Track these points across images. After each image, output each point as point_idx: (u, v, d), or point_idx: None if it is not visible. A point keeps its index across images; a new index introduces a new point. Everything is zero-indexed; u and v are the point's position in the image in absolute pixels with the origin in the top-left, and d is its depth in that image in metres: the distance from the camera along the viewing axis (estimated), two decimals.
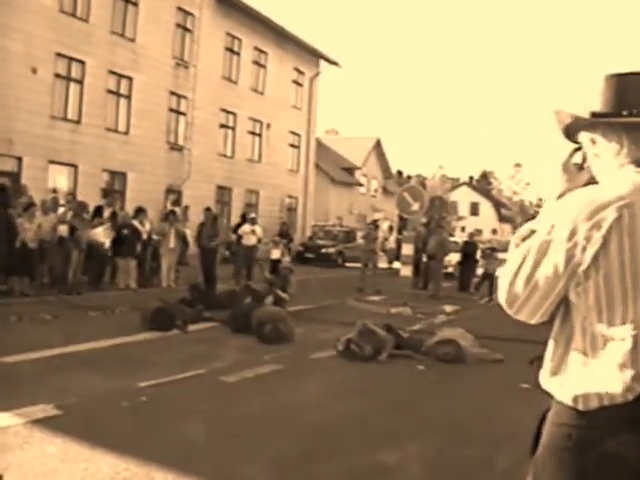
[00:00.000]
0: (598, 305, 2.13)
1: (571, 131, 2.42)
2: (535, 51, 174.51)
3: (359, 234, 29.70)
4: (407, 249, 20.78)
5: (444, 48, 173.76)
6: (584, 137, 2.36)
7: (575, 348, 2.20)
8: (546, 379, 2.28)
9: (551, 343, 2.30)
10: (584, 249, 2.09)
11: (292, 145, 36.05)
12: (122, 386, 7.65)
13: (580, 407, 2.13)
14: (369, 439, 6.45)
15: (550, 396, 2.26)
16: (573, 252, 2.11)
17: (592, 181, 2.33)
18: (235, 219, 23.90)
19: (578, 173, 2.41)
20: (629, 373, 2.07)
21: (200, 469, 5.41)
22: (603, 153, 2.30)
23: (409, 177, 67.66)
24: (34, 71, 20.79)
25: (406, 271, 21.34)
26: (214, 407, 7.26)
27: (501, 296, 2.26)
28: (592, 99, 2.29)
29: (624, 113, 2.23)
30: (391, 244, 33.79)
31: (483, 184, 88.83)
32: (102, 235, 16.17)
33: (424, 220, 24.48)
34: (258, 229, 20.59)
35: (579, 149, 2.42)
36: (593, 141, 2.32)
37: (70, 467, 5.31)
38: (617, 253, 2.09)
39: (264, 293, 13.98)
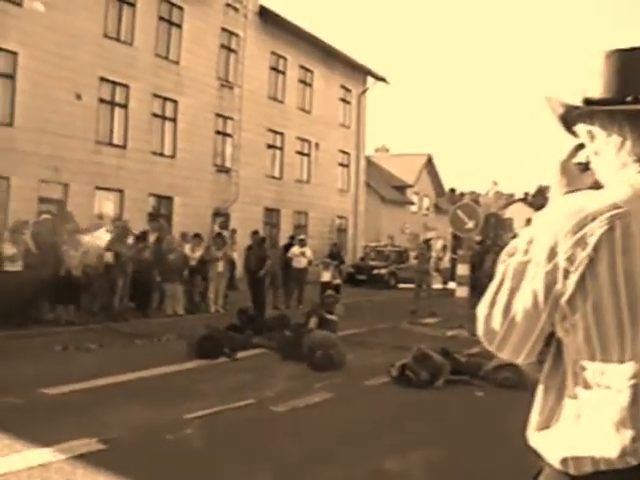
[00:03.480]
0: (589, 345, 1.70)
1: (569, 123, 1.94)
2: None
3: (412, 254, 29.23)
4: (462, 269, 20.11)
5: (492, 61, 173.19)
6: (581, 130, 1.90)
7: (568, 397, 1.78)
8: (533, 435, 1.85)
9: (540, 390, 1.87)
10: (567, 273, 1.67)
11: (341, 164, 35.62)
12: (168, 418, 7.43)
13: (571, 471, 1.73)
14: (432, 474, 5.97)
15: (539, 456, 1.83)
16: (554, 276, 1.68)
17: (598, 185, 1.83)
18: (284, 241, 23.57)
19: (581, 175, 1.90)
20: (628, 433, 1.65)
21: None
22: (603, 149, 1.84)
23: (462, 194, 67.04)
24: (79, 97, 20.74)
25: (462, 292, 20.70)
26: (263, 439, 6.92)
27: (479, 330, 1.85)
28: (590, 81, 1.79)
29: (628, 99, 1.75)
30: (445, 264, 33.16)
31: (539, 199, 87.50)
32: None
33: (479, 238, 23.89)
34: (308, 251, 20.23)
35: (583, 145, 1.90)
36: (591, 135, 1.86)
37: None
38: (608, 277, 1.64)
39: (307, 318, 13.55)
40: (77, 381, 8.99)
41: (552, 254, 1.67)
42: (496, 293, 1.79)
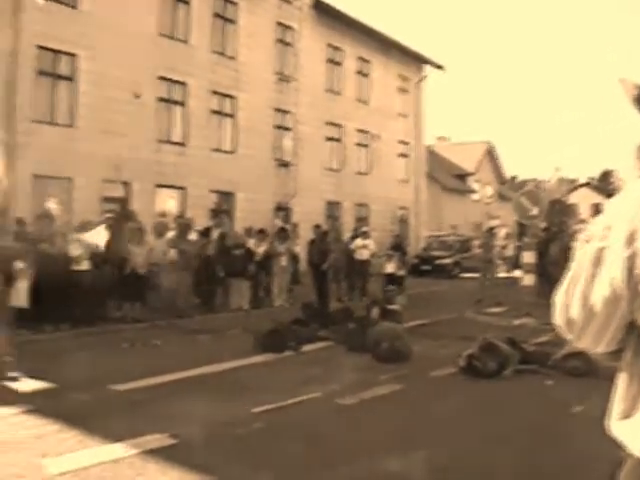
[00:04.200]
0: None
1: None
2: None
3: (475, 243, 28.87)
4: (528, 257, 19.77)
5: (554, 43, 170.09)
6: None
7: None
8: (615, 424, 1.78)
9: (622, 378, 1.79)
10: None
11: (401, 154, 35.37)
12: (235, 412, 7.47)
13: None
14: (505, 466, 5.85)
15: (622, 448, 1.75)
16: (633, 262, 1.61)
17: None
18: (346, 234, 23.50)
19: None
20: None
21: None
22: None
23: (525, 181, 66.05)
24: (137, 96, 20.94)
25: (528, 280, 20.39)
26: (332, 432, 6.89)
27: (557, 319, 1.80)
28: None
29: None
30: (509, 252, 32.73)
31: (604, 184, 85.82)
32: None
33: (544, 225, 23.49)
34: (371, 243, 20.15)
35: None
36: None
37: None
38: None
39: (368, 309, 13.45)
40: (145, 377, 9.10)
41: (630, 239, 1.60)
42: (573, 281, 1.72)
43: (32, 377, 9.07)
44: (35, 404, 7.65)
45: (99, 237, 14.47)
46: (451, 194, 46.05)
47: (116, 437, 6.38)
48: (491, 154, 54.17)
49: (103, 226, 15.67)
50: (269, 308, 16.92)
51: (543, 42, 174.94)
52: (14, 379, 9.05)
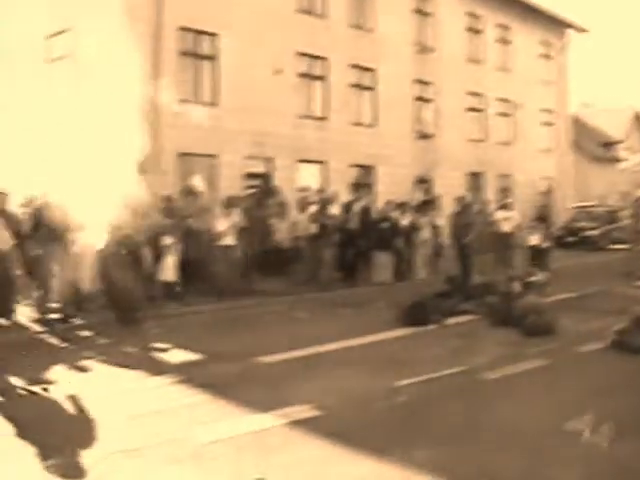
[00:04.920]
0: None
1: None
2: None
3: (624, 213, 27.80)
4: None
5: None
6: None
7: None
8: None
9: None
10: None
11: (545, 123, 34.23)
12: (379, 385, 7.54)
13: None
14: None
15: None
16: None
17: None
18: (489, 206, 23.00)
19: None
20: None
21: (465, 474, 5.11)
22: None
23: None
24: (278, 72, 21.19)
25: None
26: (477, 406, 6.87)
27: None
28: None
29: None
30: None
31: None
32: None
33: None
34: (514, 215, 19.73)
35: None
36: None
37: (330, 470, 5.26)
38: None
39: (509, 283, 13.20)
40: (289, 349, 9.30)
41: None
42: None
43: (181, 348, 9.43)
44: (184, 375, 7.96)
45: (243, 212, 14.83)
46: (598, 163, 44.38)
47: (262, 407, 6.57)
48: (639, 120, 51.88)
49: (247, 202, 16.07)
50: (411, 281, 16.89)
51: None
52: (164, 350, 9.44)
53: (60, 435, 6.08)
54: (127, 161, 12.01)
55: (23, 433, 6.07)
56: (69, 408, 6.91)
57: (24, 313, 11.81)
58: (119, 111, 12.98)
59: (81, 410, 6.81)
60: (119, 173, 11.47)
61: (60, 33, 19.22)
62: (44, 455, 5.52)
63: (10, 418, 6.47)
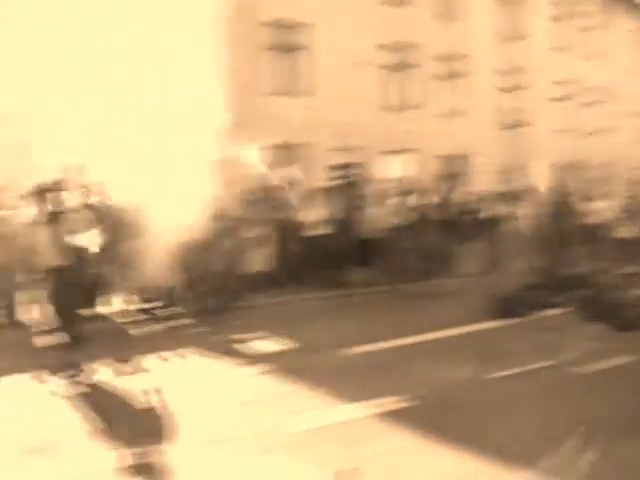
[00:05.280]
0: None
1: None
2: None
3: None
4: None
5: None
6: None
7: None
8: None
9: None
10: None
11: None
12: (469, 378, 7.56)
13: None
14: None
15: None
16: None
17: None
18: (582, 196, 22.51)
19: None
20: None
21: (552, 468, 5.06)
22: None
23: None
24: (365, 63, 21.20)
25: None
26: (567, 401, 6.79)
27: None
28: None
29: None
30: None
31: None
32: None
33: None
34: (607, 205, 19.28)
35: None
36: None
37: (421, 462, 5.30)
38: None
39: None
40: (380, 340, 9.32)
41: None
42: None
43: (272, 338, 9.55)
44: (276, 364, 8.08)
45: (334, 203, 14.89)
46: None
47: (353, 398, 6.63)
48: None
49: (336, 192, 16.10)
50: (502, 273, 16.69)
51: None
52: (255, 340, 9.58)
53: (150, 425, 6.27)
54: (217, 154, 12.20)
55: (115, 422, 6.28)
56: (159, 398, 7.11)
57: (117, 303, 12.20)
58: (209, 103, 13.18)
59: (171, 400, 6.99)
60: (207, 165, 11.68)
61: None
62: (134, 444, 5.71)
63: (100, 408, 6.70)
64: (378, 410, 6.34)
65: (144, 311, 11.81)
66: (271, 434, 5.87)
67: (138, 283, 12.10)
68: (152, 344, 9.67)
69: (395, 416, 6.20)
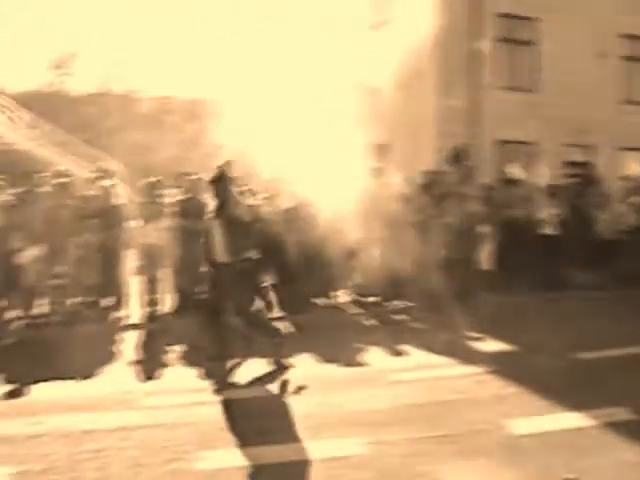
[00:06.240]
0: None
1: None
2: None
3: None
4: None
5: None
6: None
7: None
8: None
9: None
10: None
11: None
12: None
13: None
14: None
15: None
16: None
17: None
18: None
19: None
20: None
21: None
22: None
23: None
24: (602, 56, 20.44)
25: None
26: None
27: None
28: None
29: None
30: None
31: None
32: None
33: None
34: None
35: None
36: None
37: None
38: None
39: None
40: (610, 347, 8.88)
41: None
42: None
43: (495, 338, 9.48)
44: (498, 365, 7.99)
45: (564, 202, 14.53)
46: None
47: (576, 406, 6.44)
48: None
49: (567, 191, 15.68)
50: None
51: None
52: (479, 339, 9.55)
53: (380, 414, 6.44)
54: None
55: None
56: (382, 390, 7.28)
57: (343, 295, 12.67)
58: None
59: (391, 392, 7.14)
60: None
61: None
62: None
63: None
64: (602, 420, 6.13)
65: (370, 303, 12.15)
66: (491, 435, 5.84)
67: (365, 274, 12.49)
68: (375, 336, 9.94)
69: (621, 428, 5.97)
